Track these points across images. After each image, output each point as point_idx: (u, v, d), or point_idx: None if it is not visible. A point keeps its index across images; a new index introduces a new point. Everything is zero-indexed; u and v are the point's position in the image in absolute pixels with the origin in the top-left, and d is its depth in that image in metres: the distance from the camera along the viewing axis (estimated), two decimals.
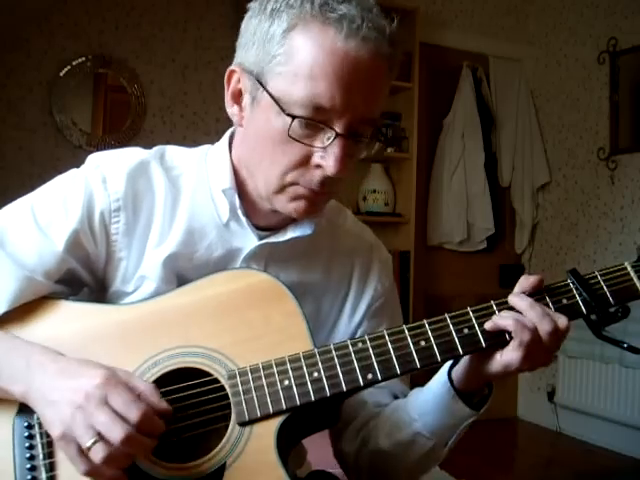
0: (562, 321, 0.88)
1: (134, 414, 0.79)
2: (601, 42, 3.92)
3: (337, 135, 0.87)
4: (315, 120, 0.86)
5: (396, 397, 1.08)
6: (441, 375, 0.97)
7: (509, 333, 0.88)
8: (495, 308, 0.90)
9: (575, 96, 4.11)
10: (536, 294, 0.91)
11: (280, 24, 0.87)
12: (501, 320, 0.88)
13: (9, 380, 0.87)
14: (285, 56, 0.86)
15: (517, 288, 0.92)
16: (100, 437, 0.78)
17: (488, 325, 0.89)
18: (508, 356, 0.87)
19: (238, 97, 0.95)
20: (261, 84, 0.89)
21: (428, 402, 0.97)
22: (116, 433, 0.77)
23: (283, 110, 0.86)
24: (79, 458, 0.80)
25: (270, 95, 0.88)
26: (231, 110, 0.96)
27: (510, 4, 4.32)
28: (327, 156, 0.87)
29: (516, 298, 0.90)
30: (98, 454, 0.78)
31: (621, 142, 3.81)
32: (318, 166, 0.89)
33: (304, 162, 0.89)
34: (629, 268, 0.93)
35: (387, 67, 0.89)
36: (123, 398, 0.80)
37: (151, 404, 0.81)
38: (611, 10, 3.88)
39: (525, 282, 0.92)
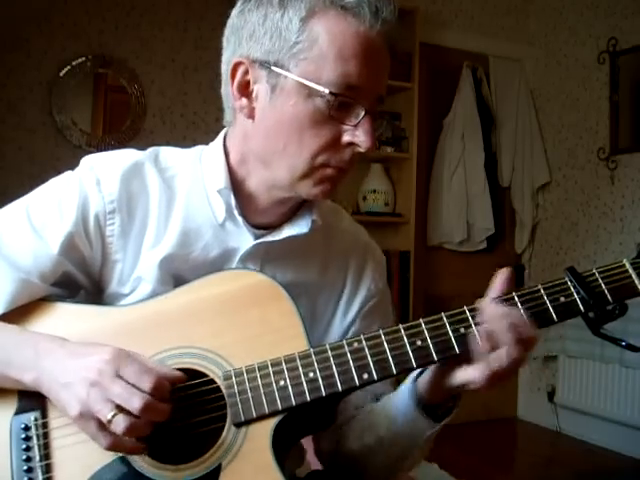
0: (530, 341, 0.83)
1: (146, 381, 0.81)
2: (601, 42, 3.91)
3: (367, 112, 0.90)
4: (351, 99, 0.89)
5: (377, 399, 1.06)
6: (409, 382, 0.95)
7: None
8: None
9: (575, 96, 4.11)
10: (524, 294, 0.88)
11: (296, 12, 0.89)
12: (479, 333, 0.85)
13: (20, 369, 0.88)
14: (308, 42, 0.89)
15: (493, 292, 0.88)
16: (119, 409, 0.80)
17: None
18: (470, 374, 0.85)
19: (245, 89, 0.94)
20: (283, 71, 0.90)
21: (397, 408, 0.96)
22: (134, 402, 0.80)
23: (319, 92, 0.88)
24: (101, 433, 0.82)
25: (297, 80, 0.89)
26: (239, 103, 0.95)
27: (510, 4, 4.32)
28: (359, 133, 0.91)
29: (490, 311, 0.85)
30: (120, 425, 0.80)
31: (621, 142, 3.80)
32: (349, 144, 0.92)
33: (335, 142, 0.92)
34: (628, 265, 0.91)
35: (389, 48, 0.94)
36: (134, 368, 0.83)
37: (164, 373, 0.84)
38: (611, 10, 3.87)
39: (497, 283, 0.88)
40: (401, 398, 0.96)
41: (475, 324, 0.88)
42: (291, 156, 0.93)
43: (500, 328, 0.83)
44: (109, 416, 0.80)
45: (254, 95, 0.94)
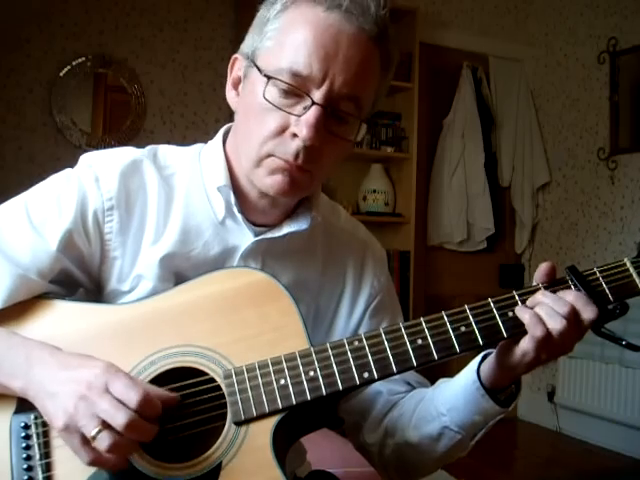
0: (586, 315, 0.87)
1: (134, 397, 0.79)
2: (601, 42, 3.92)
3: (313, 103, 0.88)
4: (292, 85, 0.88)
5: (409, 384, 1.08)
6: (470, 372, 0.96)
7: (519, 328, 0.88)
8: (493, 306, 0.89)
9: (575, 96, 4.11)
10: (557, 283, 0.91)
11: (275, 7, 0.92)
12: (519, 312, 0.88)
13: (8, 376, 0.87)
14: (275, 32, 0.91)
15: (534, 282, 0.92)
16: (104, 425, 0.78)
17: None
18: (523, 348, 0.87)
19: (237, 84, 0.98)
20: (253, 61, 0.93)
21: (457, 398, 0.97)
22: (119, 419, 0.78)
23: (261, 72, 0.89)
24: (83, 448, 0.80)
25: (257, 67, 0.91)
26: (229, 95, 1.00)
27: (510, 4, 4.32)
28: (299, 123, 0.88)
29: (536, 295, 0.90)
30: (103, 442, 0.78)
31: (621, 142, 3.81)
32: (294, 135, 0.89)
33: (280, 131, 0.90)
34: (628, 264, 0.92)
35: (374, 47, 0.91)
36: (122, 383, 0.80)
37: (155, 393, 0.82)
38: (611, 10, 3.88)
39: (537, 273, 0.92)
40: (464, 388, 0.96)
41: (477, 322, 0.88)
42: (247, 143, 0.94)
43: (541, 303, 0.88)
44: (93, 432, 0.78)
45: (240, 88, 0.98)
